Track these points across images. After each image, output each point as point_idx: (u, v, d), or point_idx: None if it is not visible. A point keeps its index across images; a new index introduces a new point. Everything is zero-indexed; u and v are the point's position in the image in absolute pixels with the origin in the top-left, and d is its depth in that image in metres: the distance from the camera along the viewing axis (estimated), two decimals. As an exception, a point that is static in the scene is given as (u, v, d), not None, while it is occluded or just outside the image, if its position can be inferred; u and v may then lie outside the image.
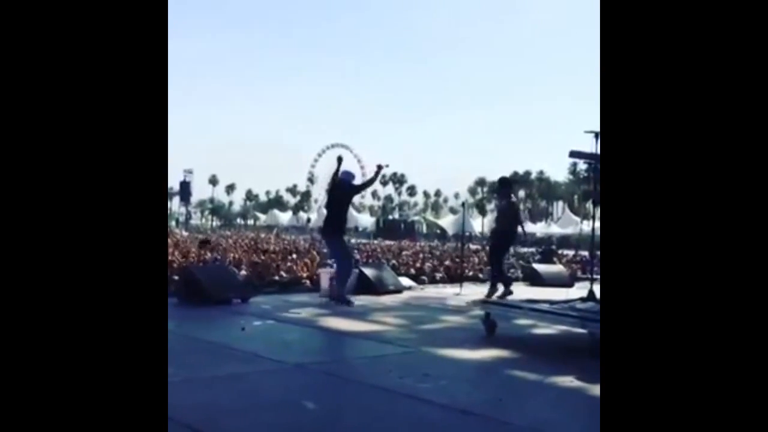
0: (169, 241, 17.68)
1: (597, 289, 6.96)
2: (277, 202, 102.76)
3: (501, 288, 9.68)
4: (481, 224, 65.54)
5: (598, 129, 6.44)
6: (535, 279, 13.03)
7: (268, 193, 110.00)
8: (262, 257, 13.38)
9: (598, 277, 8.80)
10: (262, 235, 38.04)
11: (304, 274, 11.07)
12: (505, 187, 10.39)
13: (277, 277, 10.65)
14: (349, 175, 9.35)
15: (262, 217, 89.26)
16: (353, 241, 31.02)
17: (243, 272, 10.53)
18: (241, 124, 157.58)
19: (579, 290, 8.64)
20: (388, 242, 32.25)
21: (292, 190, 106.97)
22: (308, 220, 73.05)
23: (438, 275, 13.23)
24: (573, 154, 6.59)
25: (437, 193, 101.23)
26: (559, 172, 79.52)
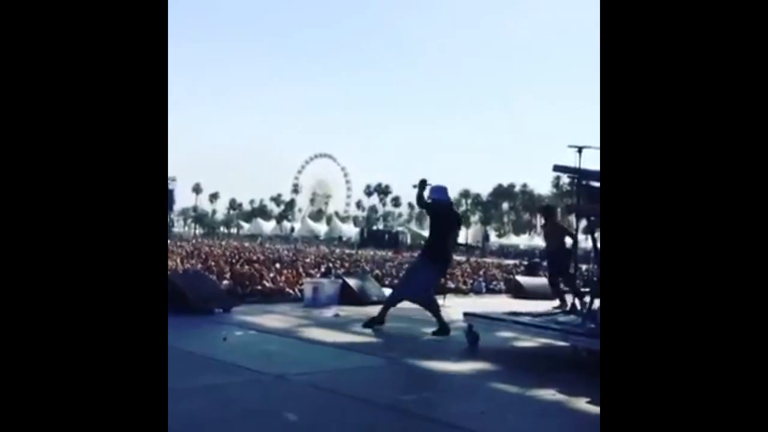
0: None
1: (579, 301, 7.00)
2: (261, 211, 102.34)
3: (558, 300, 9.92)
4: (465, 235, 65.85)
5: (581, 144, 6.50)
6: (518, 291, 13.07)
7: (252, 201, 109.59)
8: (246, 267, 13.29)
9: (581, 289, 8.84)
10: (246, 244, 37.81)
11: (291, 284, 11.01)
12: (547, 212, 11.26)
13: (260, 287, 10.58)
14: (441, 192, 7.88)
15: (246, 225, 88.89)
16: (337, 251, 30.97)
17: (225, 281, 10.45)
18: (225, 132, 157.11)
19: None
20: (380, 252, 32.13)
21: (277, 200, 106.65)
22: (292, 229, 72.89)
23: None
24: (557, 168, 6.64)
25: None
26: (542, 185, 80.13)
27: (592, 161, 6.63)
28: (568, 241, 10.40)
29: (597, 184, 6.64)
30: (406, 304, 10.78)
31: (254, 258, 17.40)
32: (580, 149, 6.49)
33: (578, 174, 6.47)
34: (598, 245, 7.13)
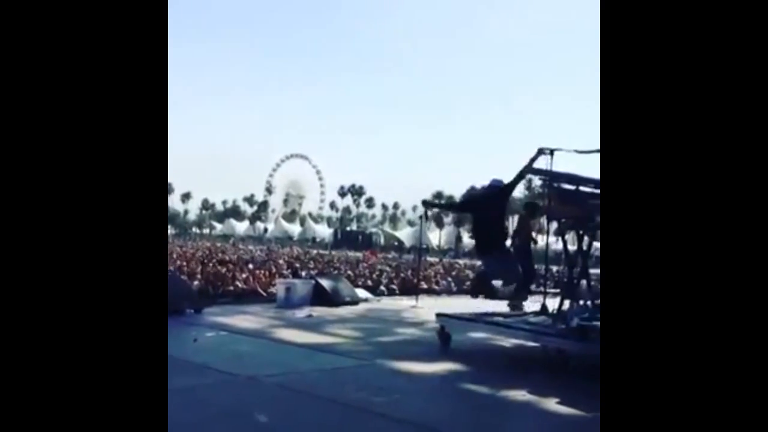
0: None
1: (550, 302, 7.08)
2: (234, 212, 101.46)
3: None
4: (438, 237, 66.09)
5: (552, 147, 6.57)
6: (490, 292, 13.13)
7: (224, 202, 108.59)
8: (219, 267, 13.17)
9: (551, 290, 8.93)
10: (219, 245, 37.47)
11: (264, 285, 10.95)
12: (531, 209, 10.96)
13: (232, 288, 10.51)
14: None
15: (219, 226, 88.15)
16: (311, 252, 30.86)
17: (197, 282, 10.35)
18: (197, 133, 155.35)
19: (533, 303, 8.76)
20: (357, 254, 31.87)
21: (250, 200, 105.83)
22: (265, 230, 72.46)
23: (394, 287, 13.23)
24: (529, 170, 6.70)
25: (395, 206, 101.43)
26: (516, 187, 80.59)
27: (564, 164, 6.73)
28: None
29: (568, 187, 6.72)
30: (382, 305, 10.81)
31: (227, 259, 17.26)
32: (551, 152, 6.56)
33: (549, 176, 6.54)
34: (569, 247, 7.23)
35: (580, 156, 6.89)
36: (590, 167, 6.94)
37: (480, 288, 7.24)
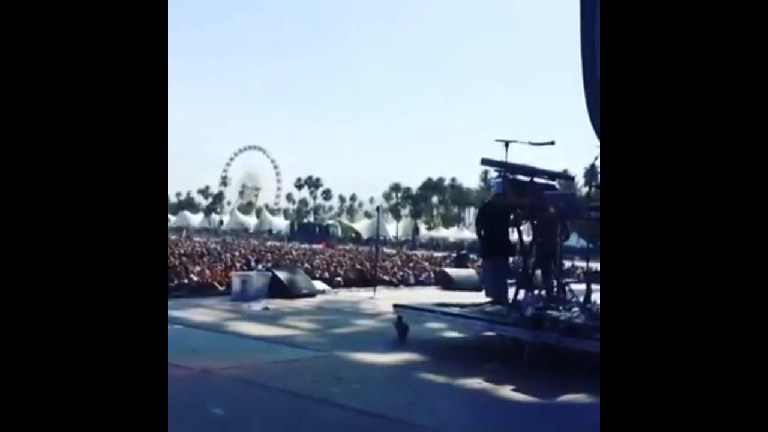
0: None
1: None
2: (188, 204, 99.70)
3: None
4: (395, 228, 66.37)
5: (508, 138, 6.64)
6: (447, 283, 13.27)
7: (178, 194, 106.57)
8: (172, 260, 12.93)
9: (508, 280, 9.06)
10: (172, 237, 36.81)
11: (219, 278, 10.81)
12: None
13: (186, 281, 10.34)
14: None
15: (172, 218, 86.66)
16: (268, 243, 30.61)
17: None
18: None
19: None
20: (314, 246, 31.67)
21: (204, 192, 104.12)
22: (220, 222, 71.53)
23: (351, 277, 13.23)
24: (484, 161, 6.77)
25: (353, 198, 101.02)
26: (471, 179, 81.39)
27: (519, 155, 6.80)
28: None
29: (523, 178, 6.81)
30: (339, 297, 10.80)
31: (181, 251, 16.97)
32: (506, 143, 6.62)
33: (504, 168, 6.60)
34: (524, 237, 7.33)
35: (534, 148, 7.00)
36: (543, 160, 7.07)
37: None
